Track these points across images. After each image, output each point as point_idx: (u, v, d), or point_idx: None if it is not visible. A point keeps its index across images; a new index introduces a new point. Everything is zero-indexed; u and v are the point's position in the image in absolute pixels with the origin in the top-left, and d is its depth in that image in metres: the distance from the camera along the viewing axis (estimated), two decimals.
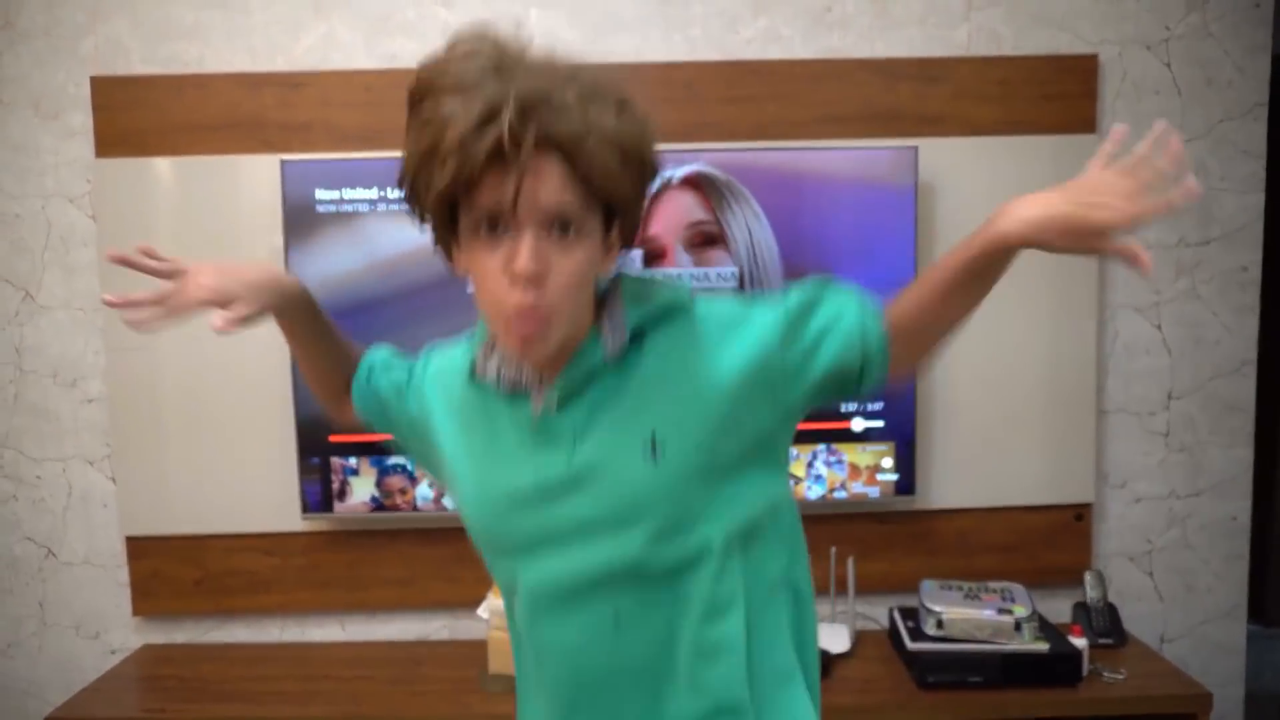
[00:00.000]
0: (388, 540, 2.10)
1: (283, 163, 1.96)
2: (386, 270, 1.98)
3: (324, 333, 1.06)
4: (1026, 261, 2.13)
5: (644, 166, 0.80)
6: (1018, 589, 1.91)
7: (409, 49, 2.06)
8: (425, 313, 1.98)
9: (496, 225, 0.75)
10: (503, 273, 0.75)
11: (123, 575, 2.12)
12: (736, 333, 0.84)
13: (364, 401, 1.07)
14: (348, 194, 1.97)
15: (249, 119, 2.04)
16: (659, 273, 1.99)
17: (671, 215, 1.98)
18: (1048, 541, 2.16)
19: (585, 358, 0.83)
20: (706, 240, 2.00)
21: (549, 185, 0.73)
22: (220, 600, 2.11)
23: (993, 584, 1.94)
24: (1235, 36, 2.09)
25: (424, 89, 0.76)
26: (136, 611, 2.11)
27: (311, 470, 2.01)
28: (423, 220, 0.81)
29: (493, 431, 0.88)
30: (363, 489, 2.01)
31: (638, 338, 0.84)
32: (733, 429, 0.83)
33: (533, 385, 0.86)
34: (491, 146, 0.70)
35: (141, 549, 2.09)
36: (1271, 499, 3.26)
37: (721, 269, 1.99)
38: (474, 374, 0.89)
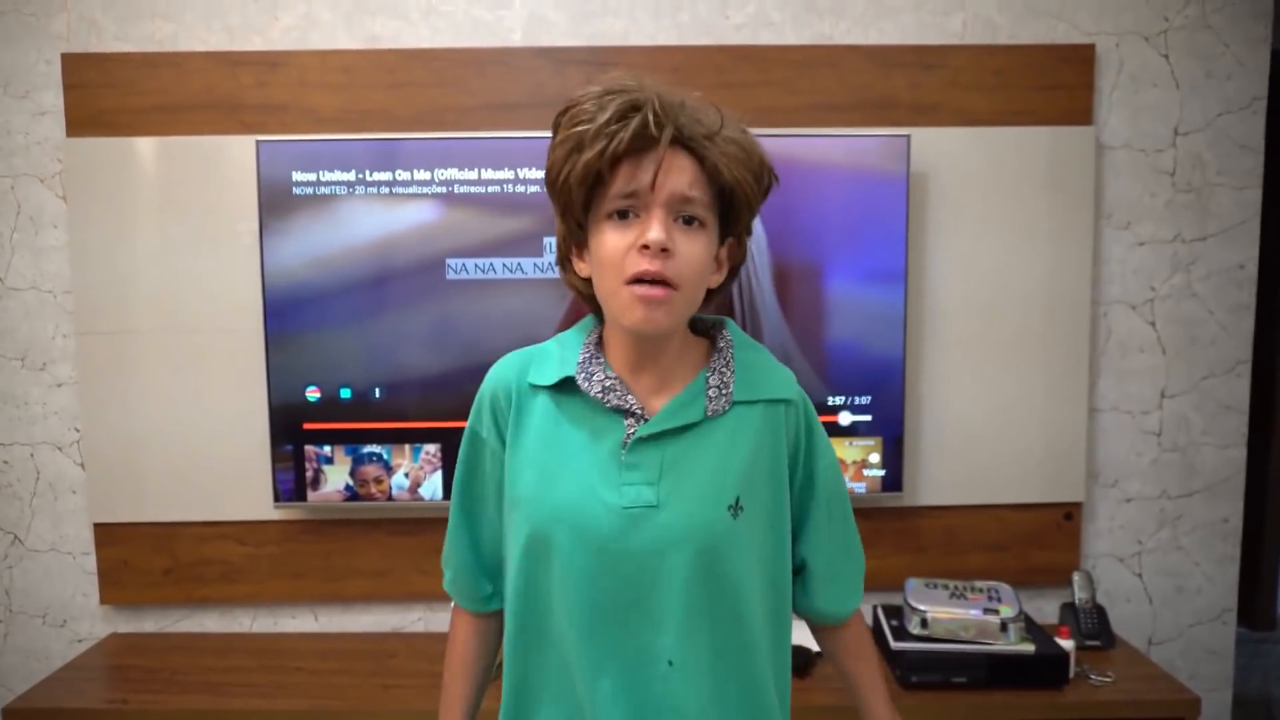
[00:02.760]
0: (363, 530, 2.06)
1: (258, 143, 1.91)
2: (363, 254, 1.93)
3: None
4: (1019, 255, 2.09)
5: (763, 174, 0.89)
6: (1004, 589, 1.87)
7: (390, 29, 2.01)
8: (398, 296, 1.93)
9: (626, 214, 0.83)
10: (631, 247, 0.83)
11: (90, 563, 2.07)
12: (815, 447, 0.97)
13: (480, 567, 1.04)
14: (325, 176, 1.92)
15: (225, 99, 1.99)
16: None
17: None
18: (1037, 541, 2.12)
19: (688, 408, 0.90)
20: None
21: (681, 176, 0.83)
22: (191, 589, 2.07)
23: (979, 583, 1.90)
24: (1234, 28, 2.05)
25: (571, 102, 0.85)
26: (104, 600, 2.07)
27: (284, 458, 1.96)
28: (564, 211, 0.88)
29: (583, 445, 0.90)
30: (336, 478, 1.97)
31: (739, 407, 0.92)
32: (786, 515, 0.96)
33: (633, 409, 0.90)
34: (636, 130, 0.80)
35: (110, 536, 2.05)
36: (1264, 501, 3.23)
37: None
38: (564, 384, 0.92)
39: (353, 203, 1.92)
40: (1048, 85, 2.03)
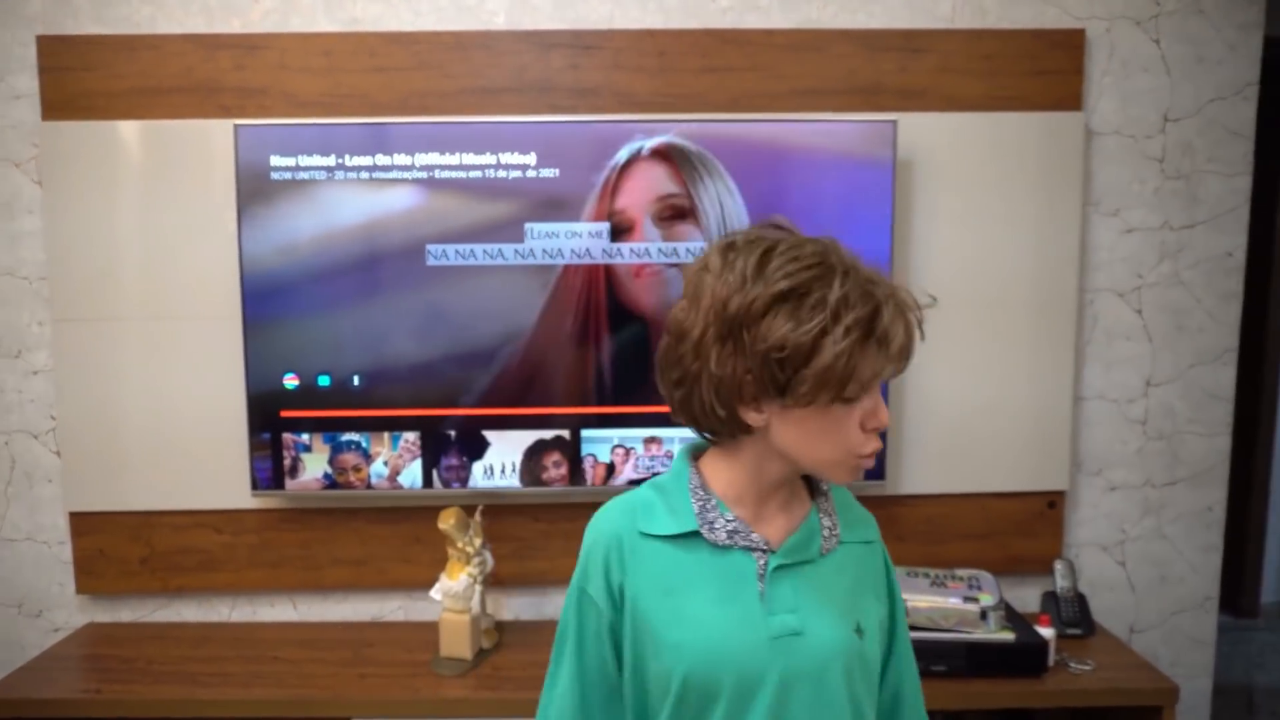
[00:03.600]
0: (342, 519, 2.04)
1: (237, 127, 1.88)
2: (343, 240, 1.90)
3: None
4: (1005, 242, 2.07)
5: None
6: (985, 577, 1.86)
7: (371, 12, 1.97)
8: (378, 283, 1.91)
9: (851, 396, 0.86)
10: (861, 426, 0.88)
11: (66, 553, 2.05)
12: (893, 583, 1.04)
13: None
14: (304, 161, 1.89)
15: (203, 82, 1.96)
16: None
17: (641, 188, 1.91)
18: (1020, 529, 2.11)
19: (808, 545, 0.95)
20: (676, 214, 1.93)
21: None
22: (168, 579, 2.05)
23: (960, 571, 1.89)
24: (1226, 13, 2.02)
25: (814, 283, 0.85)
26: (81, 589, 2.05)
27: (262, 446, 1.94)
28: (809, 395, 0.86)
29: (724, 586, 0.93)
30: (315, 466, 1.95)
31: (843, 545, 0.99)
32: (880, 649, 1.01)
33: (759, 545, 0.94)
34: (907, 346, 0.88)
35: (86, 525, 2.03)
36: (1249, 490, 3.24)
37: (691, 244, 1.92)
38: (686, 535, 0.94)
39: (332, 188, 1.89)
40: (1038, 70, 2.01)
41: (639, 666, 0.94)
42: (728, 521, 0.94)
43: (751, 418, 0.90)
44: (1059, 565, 2.02)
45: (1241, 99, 2.04)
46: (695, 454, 1.00)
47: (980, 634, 1.77)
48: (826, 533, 0.96)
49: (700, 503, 0.95)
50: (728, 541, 0.93)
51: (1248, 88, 2.04)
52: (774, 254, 0.87)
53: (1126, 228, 2.07)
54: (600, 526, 0.97)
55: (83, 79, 1.94)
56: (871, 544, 1.02)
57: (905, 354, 0.87)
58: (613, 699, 0.96)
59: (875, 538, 1.03)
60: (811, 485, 1.01)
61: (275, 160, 1.89)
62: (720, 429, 0.93)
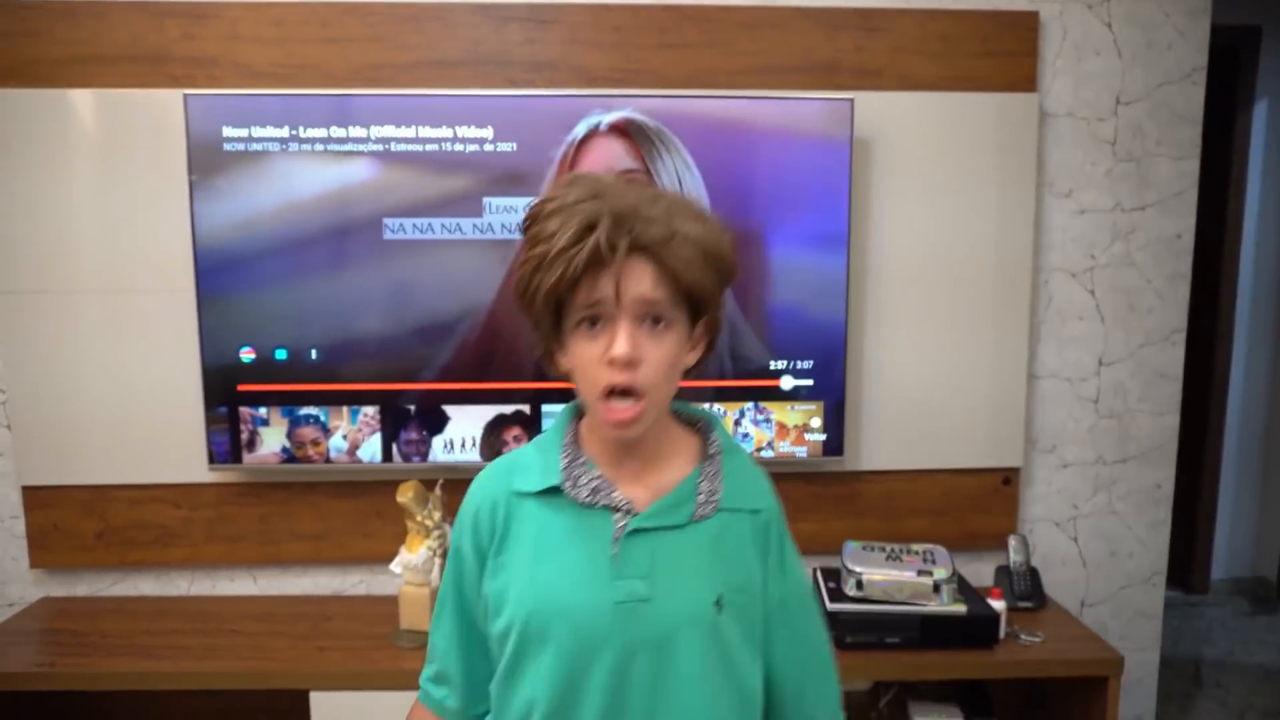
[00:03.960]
0: (301, 493, 2.04)
1: (186, 97, 1.86)
2: (298, 213, 1.89)
3: None
4: (961, 221, 2.09)
5: (723, 265, 0.90)
6: (940, 551, 1.90)
7: None
8: (335, 256, 1.90)
9: (596, 322, 0.86)
10: (601, 359, 0.85)
11: (19, 527, 2.03)
12: (785, 556, 0.98)
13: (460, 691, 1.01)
14: (256, 132, 1.87)
15: (151, 51, 1.93)
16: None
17: (599, 163, 1.91)
18: (976, 505, 2.15)
19: (677, 510, 0.92)
20: None
21: (641, 283, 0.85)
22: (124, 553, 2.03)
23: (915, 546, 1.92)
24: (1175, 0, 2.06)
25: (534, 215, 0.88)
26: (34, 564, 2.03)
27: (218, 420, 1.93)
28: (535, 323, 0.91)
29: (574, 544, 0.92)
30: (273, 439, 1.94)
31: (723, 513, 0.95)
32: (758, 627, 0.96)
33: (620, 505, 0.92)
34: (590, 253, 0.82)
35: (40, 499, 2.01)
36: (1201, 470, 3.31)
37: None
38: (535, 480, 0.94)
39: (286, 160, 1.88)
40: (992, 51, 2.03)
41: (492, 621, 0.94)
42: (592, 479, 0.93)
43: (560, 361, 0.93)
44: (1012, 540, 2.06)
45: (1190, 83, 2.08)
46: (579, 411, 0.99)
47: (933, 606, 1.80)
48: (703, 498, 0.93)
49: (569, 458, 0.95)
50: (590, 499, 0.92)
51: (1195, 73, 2.07)
52: (531, 224, 0.89)
53: (1079, 209, 2.10)
54: (478, 488, 0.98)
55: (23, 45, 1.91)
56: (759, 513, 0.97)
57: (567, 259, 0.83)
58: (483, 637, 0.98)
59: (765, 506, 0.98)
60: (705, 448, 0.98)
61: (228, 131, 1.87)
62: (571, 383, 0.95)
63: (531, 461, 0.96)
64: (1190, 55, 2.07)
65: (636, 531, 0.90)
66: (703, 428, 1.01)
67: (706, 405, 1.90)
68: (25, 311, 1.95)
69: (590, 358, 0.86)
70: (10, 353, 1.96)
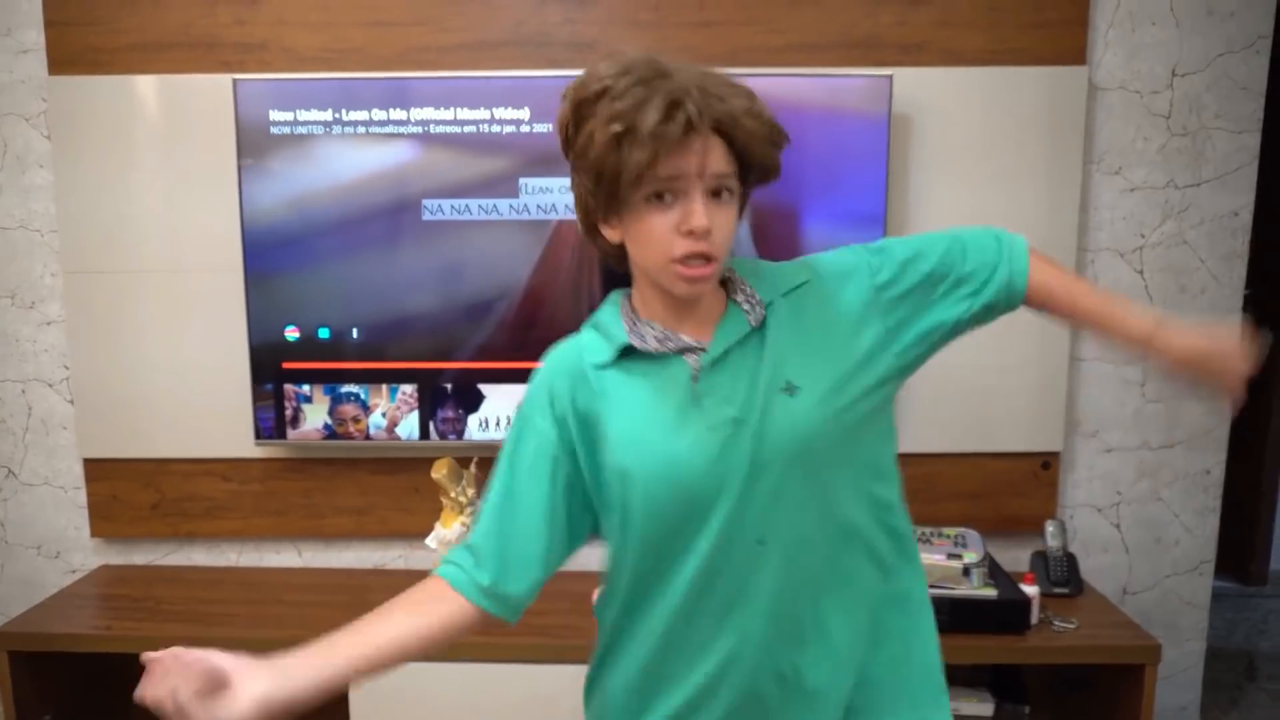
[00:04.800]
0: (344, 468, 2.10)
1: (235, 82, 1.91)
2: (341, 194, 1.93)
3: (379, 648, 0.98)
4: (1003, 200, 2.05)
5: (781, 138, 0.94)
6: (972, 535, 1.88)
7: None
8: (375, 237, 1.94)
9: (664, 196, 0.88)
10: (675, 230, 0.88)
11: (81, 497, 2.13)
12: (850, 278, 0.98)
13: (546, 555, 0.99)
14: (302, 115, 1.92)
15: (203, 37, 1.98)
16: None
17: None
18: (1014, 489, 2.12)
19: (733, 326, 0.95)
20: None
21: (716, 158, 0.88)
22: (178, 524, 2.12)
23: (947, 529, 1.91)
24: None
25: (599, 92, 0.88)
26: (95, 533, 2.13)
27: (265, 397, 1.99)
28: (607, 200, 0.91)
29: (658, 395, 0.94)
30: (315, 416, 2.00)
31: (772, 306, 0.97)
32: (860, 368, 0.96)
33: (692, 345, 0.95)
34: (682, 129, 0.84)
35: (100, 471, 2.10)
36: (1261, 457, 3.20)
37: None
38: (621, 352, 0.96)
39: (330, 142, 1.92)
40: (1040, 23, 1.97)
41: (607, 490, 0.96)
42: (656, 331, 0.96)
43: (608, 234, 0.95)
44: (1049, 525, 2.02)
45: (1253, 53, 1.99)
46: (627, 293, 1.02)
47: (963, 590, 1.79)
48: (746, 308, 0.96)
49: (629, 322, 0.98)
50: (659, 348, 0.95)
51: (1260, 41, 1.98)
52: (590, 74, 0.90)
53: (1129, 186, 2.04)
54: (547, 364, 1.00)
55: (86, 34, 1.98)
56: (806, 284, 0.98)
57: (658, 136, 0.84)
58: (536, 513, 0.97)
59: (808, 277, 0.99)
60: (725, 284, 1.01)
61: (274, 115, 1.91)
62: (606, 255, 0.98)
63: (593, 338, 0.99)
64: (1254, 22, 1.98)
65: (713, 364, 0.93)
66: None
67: None
68: (89, 291, 2.04)
69: (664, 229, 0.89)
70: (75, 330, 2.05)
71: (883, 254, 1.00)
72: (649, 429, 0.93)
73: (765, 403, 0.91)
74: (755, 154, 0.91)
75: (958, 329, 1.03)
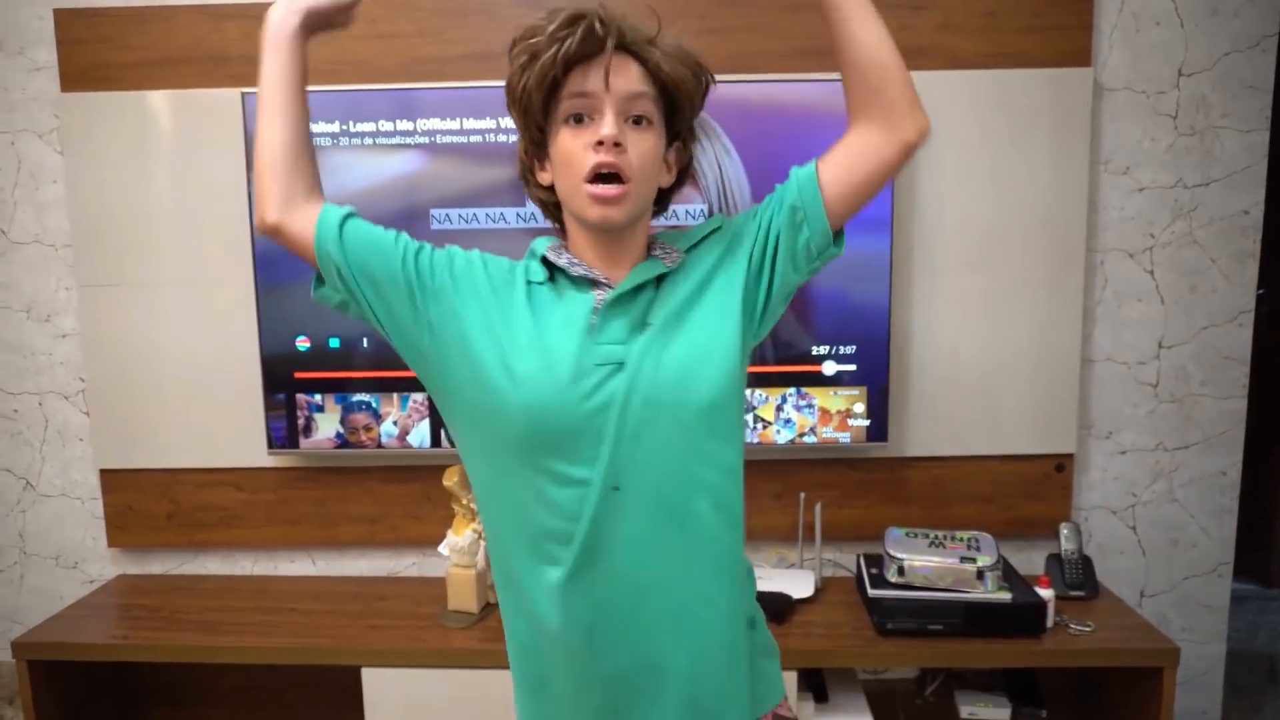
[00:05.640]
0: (356, 477, 2.11)
1: (244, 96, 1.94)
2: (348, 204, 1.94)
3: (303, 100, 1.01)
4: (1011, 202, 2.05)
5: (700, 70, 0.97)
6: (985, 538, 1.86)
7: None
8: None
9: (582, 119, 0.91)
10: (588, 146, 0.90)
11: (98, 508, 2.15)
12: (745, 225, 1.02)
13: (332, 231, 0.96)
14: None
15: (212, 52, 2.01)
16: None
17: None
18: (1027, 492, 2.10)
19: (646, 267, 0.97)
20: None
21: (627, 75, 0.91)
22: (192, 534, 2.14)
23: (960, 533, 1.89)
24: None
25: (521, 31, 0.93)
26: (112, 543, 2.15)
27: (277, 407, 2.01)
28: (524, 122, 0.96)
29: (558, 316, 0.95)
30: (327, 425, 2.01)
31: (689, 253, 1.01)
32: (750, 299, 0.99)
33: (599, 279, 0.97)
34: (583, 34, 0.88)
35: (116, 482, 2.13)
36: (1269, 454, 3.16)
37: (690, 206, 1.94)
38: (537, 270, 0.98)
39: (336, 154, 1.94)
40: (1043, 25, 1.97)
41: (464, 383, 0.95)
42: (574, 262, 0.97)
43: (541, 177, 0.99)
44: (1064, 528, 2.01)
45: (1259, 51, 1.98)
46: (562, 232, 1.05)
47: (977, 594, 1.77)
48: (662, 254, 0.99)
49: (555, 247, 1.00)
50: (568, 268, 0.96)
51: (1265, 40, 1.97)
52: (521, 34, 0.94)
53: (1137, 186, 2.03)
54: (479, 254, 1.01)
55: (98, 51, 2.01)
56: (717, 230, 1.02)
57: (559, 42, 0.88)
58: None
59: (720, 224, 1.03)
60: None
61: None
62: (542, 207, 1.03)
63: (529, 261, 1.00)
64: (1260, 21, 1.97)
65: (616, 304, 0.94)
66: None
67: (747, 392, 1.91)
68: (102, 304, 2.07)
69: (576, 146, 0.91)
70: (90, 343, 2.08)
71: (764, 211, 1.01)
72: (545, 348, 0.92)
73: (645, 346, 0.93)
74: (668, 74, 0.92)
75: (782, 248, 0.99)
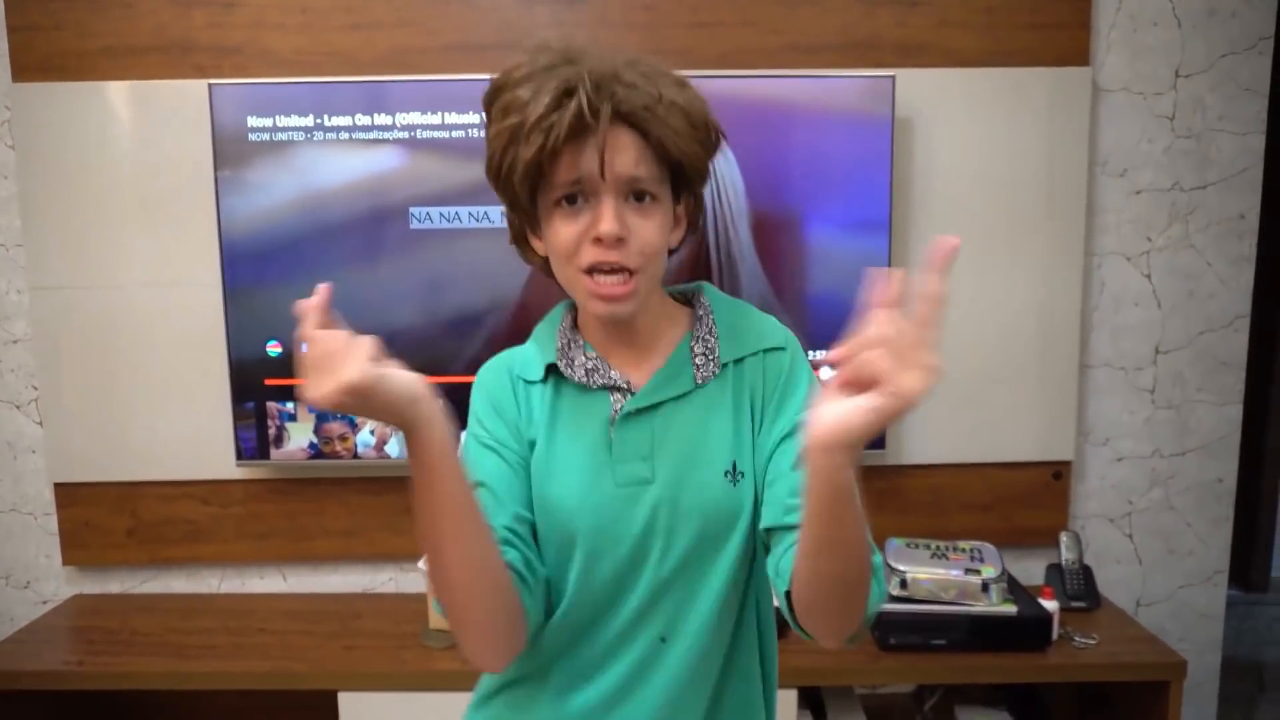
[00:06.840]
0: (330, 489, 2.01)
1: (211, 87, 1.83)
2: (324, 203, 1.85)
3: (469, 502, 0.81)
4: (1010, 205, 2.00)
5: (709, 134, 0.84)
6: (988, 549, 1.81)
7: None
8: (361, 247, 1.86)
9: (575, 199, 0.79)
10: (584, 237, 0.79)
11: (52, 524, 2.03)
12: (796, 384, 0.87)
13: (527, 542, 0.86)
14: (281, 121, 1.83)
15: (177, 41, 1.90)
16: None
17: None
18: (1025, 500, 2.06)
19: (675, 380, 0.87)
20: None
21: (626, 155, 0.78)
22: (155, 550, 2.02)
23: (962, 543, 1.84)
24: None
25: (500, 85, 0.81)
26: (67, 561, 2.03)
27: (246, 415, 1.90)
28: (510, 204, 0.85)
29: (575, 425, 0.87)
30: (300, 435, 1.91)
31: (727, 368, 0.88)
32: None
33: (618, 384, 0.88)
34: (572, 119, 0.75)
35: (71, 496, 2.00)
36: (1261, 461, 3.16)
37: None
38: (551, 371, 0.89)
39: (312, 149, 1.84)
40: (1042, 24, 1.93)
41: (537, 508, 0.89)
42: (588, 359, 0.88)
43: (535, 245, 0.87)
44: (1064, 537, 1.97)
45: (1256, 54, 1.96)
46: (574, 305, 0.94)
47: (982, 607, 1.72)
48: (700, 359, 0.88)
49: (565, 341, 0.90)
50: (586, 380, 0.87)
51: (1262, 42, 1.95)
52: (498, 94, 0.82)
53: (1135, 188, 2.00)
54: (482, 378, 0.93)
55: (52, 38, 1.89)
56: (775, 351, 0.88)
57: (545, 129, 0.75)
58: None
59: (778, 342, 0.89)
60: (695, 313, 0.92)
61: (253, 121, 1.83)
62: (545, 272, 0.89)
63: (529, 351, 0.92)
64: (1257, 23, 1.95)
65: (636, 413, 0.86)
66: (693, 295, 0.95)
67: None
68: (57, 307, 1.94)
69: (571, 236, 0.80)
70: (43, 349, 1.95)
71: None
72: (561, 465, 0.86)
73: (697, 473, 0.84)
74: (672, 151, 0.79)
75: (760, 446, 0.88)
